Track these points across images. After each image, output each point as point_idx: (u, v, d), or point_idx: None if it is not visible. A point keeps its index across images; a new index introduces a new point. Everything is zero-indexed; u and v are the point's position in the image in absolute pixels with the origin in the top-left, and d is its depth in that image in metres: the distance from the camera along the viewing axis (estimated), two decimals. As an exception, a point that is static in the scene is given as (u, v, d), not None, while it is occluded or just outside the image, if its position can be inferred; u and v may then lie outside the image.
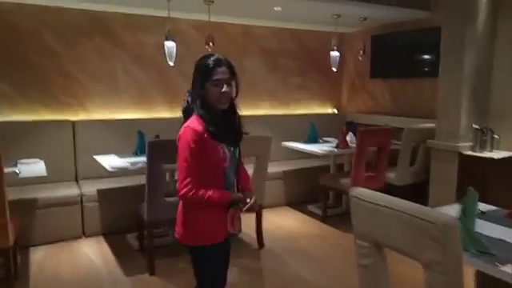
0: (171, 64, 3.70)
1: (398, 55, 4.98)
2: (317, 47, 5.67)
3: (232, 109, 1.83)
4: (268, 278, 3.07)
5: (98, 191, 3.85)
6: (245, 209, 1.84)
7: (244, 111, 5.78)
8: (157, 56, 4.49)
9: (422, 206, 1.26)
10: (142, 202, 3.19)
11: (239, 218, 1.87)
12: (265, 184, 3.57)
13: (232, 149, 1.81)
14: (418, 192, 4.40)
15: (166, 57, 3.66)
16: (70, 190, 3.81)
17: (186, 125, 1.73)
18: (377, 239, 1.47)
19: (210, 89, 1.72)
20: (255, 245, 3.65)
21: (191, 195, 1.70)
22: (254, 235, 3.72)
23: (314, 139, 4.60)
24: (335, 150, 4.21)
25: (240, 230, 1.89)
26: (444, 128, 3.83)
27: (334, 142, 4.68)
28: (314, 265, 3.29)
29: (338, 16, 4.42)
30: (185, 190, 1.70)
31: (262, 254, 3.53)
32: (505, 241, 1.61)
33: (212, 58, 1.74)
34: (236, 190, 1.88)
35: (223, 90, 1.72)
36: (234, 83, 1.78)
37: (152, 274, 3.09)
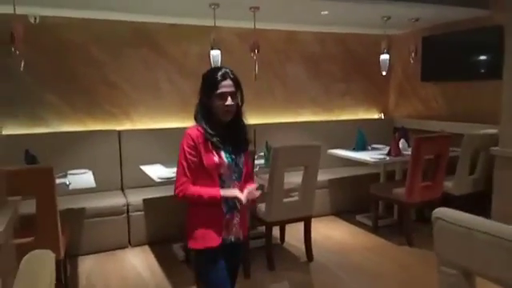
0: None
1: (452, 57, 4.66)
2: (361, 51, 5.45)
3: (238, 118, 1.90)
4: (321, 295, 2.90)
5: (144, 200, 3.83)
6: (244, 200, 1.84)
7: (286, 118, 5.68)
8: (200, 65, 4.43)
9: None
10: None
11: (237, 225, 1.93)
12: (314, 194, 3.40)
13: (233, 157, 1.87)
14: (477, 203, 4.09)
15: (211, 65, 3.59)
16: (116, 200, 3.82)
17: (186, 130, 1.85)
18: (468, 267, 1.28)
19: (215, 101, 1.81)
20: (304, 257, 3.49)
21: (183, 195, 1.82)
22: (302, 246, 3.56)
23: (362, 146, 4.38)
24: (387, 157, 3.97)
25: (242, 237, 1.95)
26: (510, 133, 3.51)
27: (383, 148, 4.45)
28: (366, 280, 3.09)
29: (388, 18, 4.20)
30: (177, 190, 1.83)
31: (311, 267, 3.36)
32: None
33: (218, 72, 1.82)
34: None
35: (227, 103, 1.80)
36: (238, 95, 1.86)
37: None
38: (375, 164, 4.07)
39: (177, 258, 3.54)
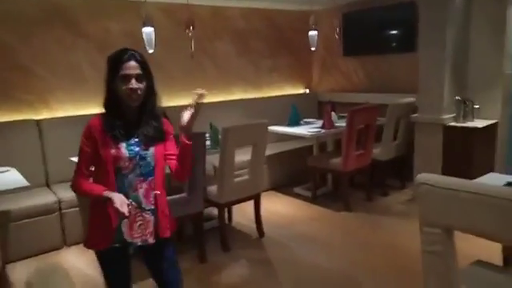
0: (151, 51, 3.39)
1: (370, 32, 5.00)
2: (286, 27, 5.55)
3: (149, 105, 1.73)
4: (281, 267, 2.99)
5: (78, 196, 3.50)
6: (119, 208, 1.59)
7: (218, 97, 5.62)
8: (126, 44, 4.09)
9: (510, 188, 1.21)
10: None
11: (146, 226, 1.71)
12: (263, 171, 3.45)
13: (139, 149, 1.70)
14: (400, 165, 4.54)
15: (144, 44, 3.34)
16: (44, 198, 3.44)
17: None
18: (451, 225, 1.42)
19: (118, 85, 1.65)
20: (255, 234, 3.55)
21: (75, 188, 1.73)
22: (250, 224, 3.63)
23: (296, 121, 4.53)
24: (322, 130, 4.17)
25: (151, 240, 1.73)
26: (427, 102, 3.92)
27: (314, 122, 4.65)
28: (319, 248, 3.26)
29: (314, -7, 4.32)
30: (71, 183, 1.74)
31: (265, 243, 3.43)
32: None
33: (123, 54, 1.66)
34: (147, 197, 1.73)
35: (131, 86, 1.64)
36: (146, 79, 1.69)
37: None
38: (311, 137, 4.24)
39: (123, 252, 3.34)
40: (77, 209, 3.49)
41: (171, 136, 1.83)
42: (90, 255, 3.20)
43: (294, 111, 4.56)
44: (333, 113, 4.39)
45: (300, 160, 4.63)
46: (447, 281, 1.50)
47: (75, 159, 3.19)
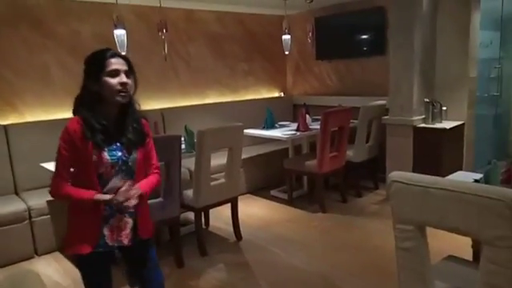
0: (123, 54, 3.33)
1: (342, 36, 5.11)
2: (260, 31, 5.59)
3: (130, 108, 1.69)
4: (259, 270, 2.99)
5: (49, 202, 3.40)
6: (120, 200, 1.61)
7: (193, 101, 5.62)
8: (97, 46, 4.04)
9: (479, 185, 1.27)
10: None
11: (126, 229, 1.70)
12: (239, 174, 3.45)
13: (121, 154, 1.66)
14: (373, 166, 4.65)
15: (117, 47, 3.29)
16: (13, 206, 3.31)
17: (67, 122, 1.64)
18: (423, 221, 1.47)
19: (106, 80, 1.59)
20: (232, 238, 3.54)
21: (55, 194, 1.66)
22: (227, 227, 3.62)
23: (271, 124, 4.56)
24: (297, 133, 4.21)
25: (121, 242, 1.70)
26: (397, 104, 4.03)
27: (289, 125, 4.71)
28: (298, 250, 3.28)
29: (288, -2, 4.38)
30: (51, 188, 1.67)
31: (242, 246, 3.43)
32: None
33: (106, 51, 1.64)
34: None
35: (122, 80, 1.60)
36: (132, 78, 1.67)
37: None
38: (287, 140, 4.28)
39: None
40: (48, 216, 3.39)
41: (151, 140, 1.81)
42: (63, 264, 3.16)
43: (270, 114, 4.59)
44: (307, 115, 4.46)
45: (276, 163, 4.67)
46: (420, 276, 1.54)
47: (47, 165, 3.16)
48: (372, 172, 4.65)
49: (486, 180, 1.80)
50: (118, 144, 1.66)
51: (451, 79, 4.01)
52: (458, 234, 1.40)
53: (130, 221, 1.72)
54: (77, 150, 1.60)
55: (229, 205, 3.47)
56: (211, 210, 3.66)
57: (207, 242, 3.36)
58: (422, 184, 1.42)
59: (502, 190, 1.27)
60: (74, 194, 1.62)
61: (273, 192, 4.64)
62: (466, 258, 2.00)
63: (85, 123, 1.60)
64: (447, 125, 3.84)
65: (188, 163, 3.77)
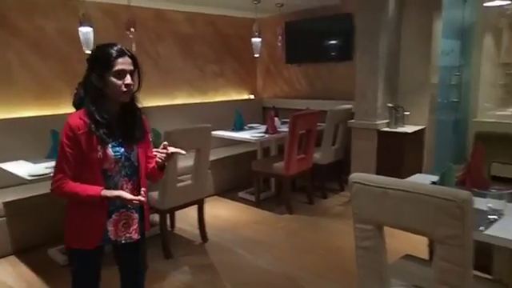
0: (88, 52, 3.26)
1: (312, 41, 5.20)
2: (231, 33, 5.60)
3: (132, 105, 1.72)
4: (225, 272, 2.98)
5: (5, 204, 3.26)
6: (130, 198, 1.64)
7: (160, 101, 5.55)
8: (62, 43, 3.95)
9: (434, 186, 1.33)
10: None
11: (131, 224, 1.74)
12: (207, 176, 3.43)
13: (123, 150, 1.68)
14: (339, 168, 4.75)
15: (81, 44, 3.21)
16: (-34, 208, 3.15)
17: (67, 118, 1.63)
18: (382, 221, 1.52)
19: (112, 81, 1.60)
20: (198, 240, 3.51)
21: (59, 191, 1.63)
22: (193, 229, 3.59)
23: (240, 126, 4.58)
24: (266, 135, 4.25)
25: (136, 236, 1.76)
26: (363, 108, 4.14)
27: (259, 127, 4.73)
28: (264, 251, 3.30)
29: (258, 1, 4.40)
30: (53, 186, 1.64)
31: (208, 248, 3.41)
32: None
33: (114, 48, 1.61)
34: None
35: (127, 81, 1.61)
36: (136, 76, 1.69)
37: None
38: (255, 142, 4.30)
39: (56, 264, 3.15)
40: (4, 218, 3.24)
41: (148, 135, 1.83)
42: (18, 269, 3.03)
43: (239, 116, 4.61)
44: (276, 118, 4.50)
45: (244, 165, 4.67)
46: (378, 274, 1.59)
47: (6, 166, 3.04)
48: (338, 174, 4.75)
49: (442, 182, 1.88)
50: (120, 140, 1.67)
51: (414, 85, 4.16)
52: (414, 233, 1.46)
53: (136, 216, 1.76)
54: (80, 147, 1.59)
55: (195, 206, 3.45)
56: (177, 212, 3.62)
57: (172, 245, 3.32)
58: (380, 185, 1.46)
59: (454, 190, 1.33)
60: (81, 191, 1.61)
61: (240, 194, 4.65)
62: (422, 257, 2.07)
63: (89, 117, 1.60)
64: (409, 129, 3.98)
65: (154, 164, 3.71)
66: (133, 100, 1.71)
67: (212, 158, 4.65)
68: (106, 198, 1.62)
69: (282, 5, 4.69)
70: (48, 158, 3.28)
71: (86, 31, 3.18)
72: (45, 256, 3.25)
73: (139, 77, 1.70)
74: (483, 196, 1.71)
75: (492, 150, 2.42)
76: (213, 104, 5.39)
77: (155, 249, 3.22)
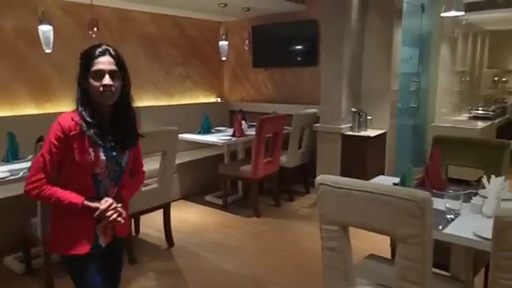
0: (48, 51, 3.14)
1: (278, 46, 5.26)
2: (198, 36, 5.57)
3: (123, 106, 1.63)
4: (191, 277, 2.95)
5: None
6: (99, 215, 1.58)
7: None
8: (20, 43, 3.77)
9: (395, 187, 1.38)
10: (28, 217, 2.73)
11: (116, 226, 1.69)
12: (172, 179, 3.39)
13: (114, 154, 1.61)
14: (305, 171, 4.82)
15: (41, 43, 3.09)
16: None
17: (58, 118, 1.56)
18: (347, 222, 1.56)
19: (91, 82, 1.53)
20: (164, 245, 3.46)
21: (36, 193, 1.54)
22: (158, 234, 3.54)
23: (207, 129, 4.56)
24: (233, 138, 4.25)
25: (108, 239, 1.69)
26: (327, 112, 4.24)
27: (225, 130, 4.73)
28: (231, 255, 3.29)
29: (225, 5, 4.41)
30: (31, 186, 1.54)
31: (174, 252, 3.36)
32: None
33: (97, 48, 1.55)
34: (117, 200, 1.65)
35: (104, 82, 1.52)
36: (121, 77, 1.58)
37: None
38: (222, 145, 4.29)
39: (14, 272, 3.00)
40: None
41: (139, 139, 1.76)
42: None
43: (206, 119, 4.58)
44: (243, 121, 4.51)
45: (211, 168, 4.65)
46: (344, 274, 1.63)
47: None
48: (304, 177, 4.82)
49: (402, 183, 1.96)
50: (112, 144, 1.60)
51: (376, 91, 4.31)
52: (377, 232, 1.51)
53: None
54: (70, 149, 1.52)
55: (161, 211, 3.39)
56: (142, 217, 3.55)
57: (137, 250, 3.25)
58: (345, 186, 1.51)
59: (414, 191, 1.39)
60: (63, 196, 1.54)
61: (207, 197, 4.62)
62: (386, 256, 2.15)
63: (80, 117, 1.54)
64: (371, 133, 4.11)
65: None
66: (126, 101, 1.63)
67: (178, 161, 4.60)
68: (88, 207, 1.56)
69: (249, 9, 4.72)
70: (5, 161, 3.14)
71: (45, 30, 3.06)
72: (0, 265, 3.09)
73: (127, 78, 1.61)
74: (441, 197, 1.79)
75: (448, 153, 2.54)
76: (179, 107, 5.33)
77: (119, 255, 3.14)
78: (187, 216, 4.18)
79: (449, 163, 2.65)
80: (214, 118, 4.97)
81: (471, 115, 6.14)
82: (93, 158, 1.55)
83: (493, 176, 1.86)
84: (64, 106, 4.18)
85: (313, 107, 4.72)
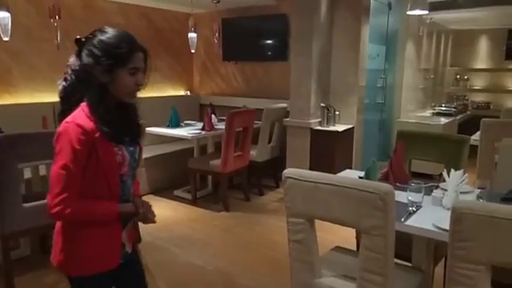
0: (6, 39, 2.99)
1: (248, 39, 5.24)
2: (166, 27, 5.46)
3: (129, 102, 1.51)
4: (159, 272, 2.91)
5: None
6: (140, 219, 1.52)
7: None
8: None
9: (360, 180, 1.41)
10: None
11: (136, 231, 1.59)
12: (141, 174, 3.32)
13: (132, 149, 1.47)
14: (275, 166, 4.85)
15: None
16: None
17: (68, 119, 1.33)
18: (313, 214, 1.58)
19: (123, 78, 1.36)
20: (131, 240, 3.39)
21: (68, 214, 1.30)
22: (127, 230, 3.46)
23: (176, 123, 4.49)
24: (202, 132, 4.21)
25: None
26: (297, 107, 4.27)
27: (195, 124, 4.68)
28: (198, 249, 3.28)
29: (194, -4, 4.35)
30: (59, 208, 1.29)
31: (141, 248, 3.28)
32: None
33: (127, 39, 1.40)
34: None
35: (140, 81, 1.40)
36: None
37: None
38: (192, 139, 4.25)
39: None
40: None
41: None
42: None
43: (174, 113, 4.51)
44: (213, 115, 4.47)
45: (180, 162, 4.59)
46: (310, 266, 1.66)
47: None
48: (274, 171, 4.85)
49: (367, 176, 2.01)
50: (127, 139, 1.45)
51: (344, 87, 4.38)
52: (343, 225, 1.54)
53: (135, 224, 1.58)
54: (96, 152, 1.33)
55: (128, 205, 3.32)
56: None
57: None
58: (311, 179, 1.52)
59: (377, 184, 1.42)
60: (94, 211, 1.37)
61: (176, 192, 4.56)
62: (351, 248, 2.20)
63: (97, 116, 1.35)
64: (340, 128, 4.19)
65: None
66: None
67: (146, 155, 4.53)
68: (123, 213, 1.44)
69: (219, 1, 4.67)
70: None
71: (2, 16, 2.91)
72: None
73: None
74: (404, 190, 1.85)
75: (412, 147, 2.62)
76: (147, 100, 5.09)
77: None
78: (155, 211, 4.08)
79: (412, 157, 2.74)
80: (183, 111, 4.89)
81: (435, 111, 6.37)
82: (121, 158, 1.40)
83: (452, 170, 1.93)
84: (24, 97, 4.01)
85: (283, 102, 4.74)
